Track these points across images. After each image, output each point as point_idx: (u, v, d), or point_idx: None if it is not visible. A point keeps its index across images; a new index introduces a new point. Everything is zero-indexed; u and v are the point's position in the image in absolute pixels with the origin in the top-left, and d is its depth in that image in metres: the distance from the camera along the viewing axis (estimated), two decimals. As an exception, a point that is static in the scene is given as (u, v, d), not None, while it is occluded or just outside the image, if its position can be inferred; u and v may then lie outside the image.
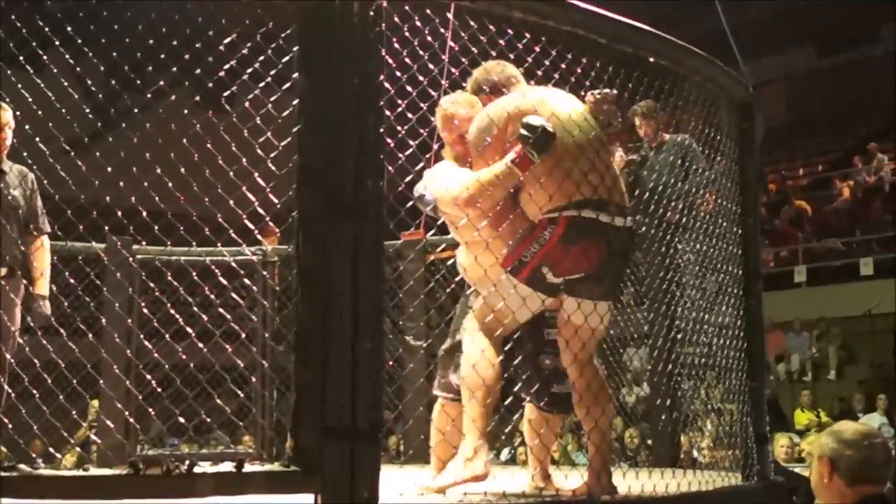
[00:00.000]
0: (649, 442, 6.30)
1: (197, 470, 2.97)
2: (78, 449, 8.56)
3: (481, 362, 3.88)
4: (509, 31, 3.67)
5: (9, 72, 3.44)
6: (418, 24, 3.53)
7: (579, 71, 3.92)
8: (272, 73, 3.34)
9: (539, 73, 3.87)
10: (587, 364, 4.06)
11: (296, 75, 3.10)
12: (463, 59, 3.77)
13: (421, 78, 3.59)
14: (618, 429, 9.41)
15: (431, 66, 3.72)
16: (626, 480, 4.08)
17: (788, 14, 18.69)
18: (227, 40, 3.51)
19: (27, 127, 3.47)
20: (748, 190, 4.77)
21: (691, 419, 5.87)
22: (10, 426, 3.49)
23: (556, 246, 3.81)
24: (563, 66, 3.87)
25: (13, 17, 3.30)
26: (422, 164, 3.96)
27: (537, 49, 3.75)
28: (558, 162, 3.83)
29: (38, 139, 3.59)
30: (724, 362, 4.73)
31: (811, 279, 15.10)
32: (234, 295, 3.69)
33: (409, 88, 3.57)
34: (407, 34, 3.48)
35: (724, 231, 4.77)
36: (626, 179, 6.46)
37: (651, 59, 4.10)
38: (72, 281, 3.44)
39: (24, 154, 3.58)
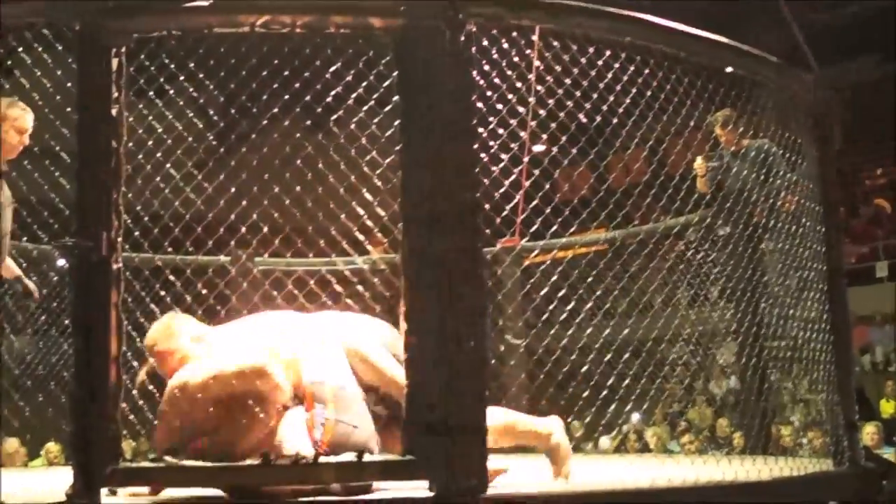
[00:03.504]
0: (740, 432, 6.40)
1: (321, 459, 3.19)
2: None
3: None
4: (590, 48, 3.77)
5: (140, 105, 3.73)
6: (506, 45, 3.71)
7: (654, 84, 3.98)
8: (374, 97, 3.52)
9: (617, 88, 3.96)
10: None
11: (395, 98, 3.30)
12: (548, 78, 3.94)
13: (511, 96, 3.77)
14: (708, 418, 9.50)
15: (519, 85, 3.89)
16: (720, 467, 4.07)
17: (855, 22, 18.52)
18: (332, 69, 3.71)
19: (158, 155, 3.77)
20: (829, 191, 4.78)
21: (779, 409, 5.94)
22: (155, 422, 3.77)
23: None
24: (640, 80, 3.95)
25: (142, 56, 3.60)
26: (513, 176, 4.08)
27: (617, 66, 3.86)
28: None
29: (168, 165, 3.89)
30: (811, 354, 4.75)
31: (892, 274, 15.20)
32: (348, 301, 3.92)
33: (499, 106, 3.76)
34: (496, 55, 3.69)
35: (808, 230, 4.79)
36: (708, 185, 6.60)
37: (728, 70, 4.24)
38: (203, 291, 3.71)
39: (157, 179, 3.87)
